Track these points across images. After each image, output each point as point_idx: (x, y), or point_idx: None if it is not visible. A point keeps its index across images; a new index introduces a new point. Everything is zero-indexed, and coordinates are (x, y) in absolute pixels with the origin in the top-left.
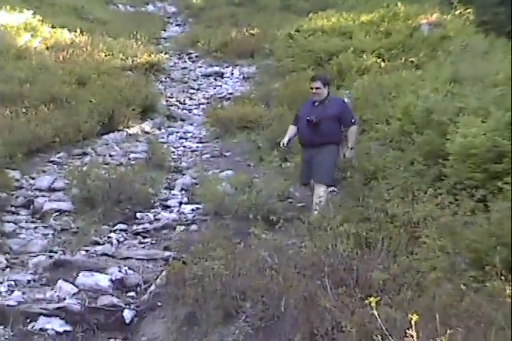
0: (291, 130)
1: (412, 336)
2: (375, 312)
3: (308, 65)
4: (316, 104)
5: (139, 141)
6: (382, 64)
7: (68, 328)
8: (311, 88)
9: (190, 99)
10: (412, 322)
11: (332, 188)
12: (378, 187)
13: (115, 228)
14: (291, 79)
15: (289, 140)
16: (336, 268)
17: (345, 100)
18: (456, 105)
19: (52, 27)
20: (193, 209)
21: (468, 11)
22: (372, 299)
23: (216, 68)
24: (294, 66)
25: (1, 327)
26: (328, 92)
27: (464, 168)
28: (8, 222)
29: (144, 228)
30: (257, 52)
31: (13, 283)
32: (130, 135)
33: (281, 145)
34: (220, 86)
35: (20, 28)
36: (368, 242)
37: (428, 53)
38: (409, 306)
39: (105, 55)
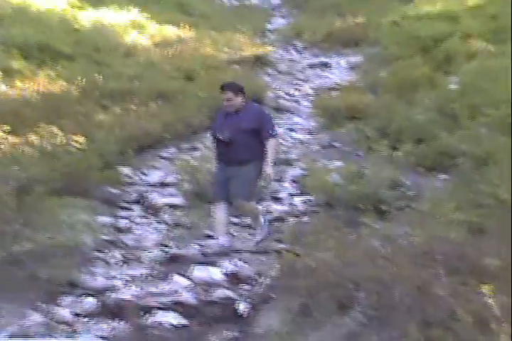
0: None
1: None
2: (490, 300)
3: (415, 51)
4: (231, 115)
5: None
6: (490, 48)
7: (184, 321)
8: (222, 99)
9: (298, 90)
10: None
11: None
12: (489, 172)
13: None
14: (398, 66)
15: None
16: (449, 256)
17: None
18: None
19: (159, 24)
20: (304, 201)
21: None
22: (486, 286)
23: (322, 58)
24: (401, 53)
25: (119, 321)
26: (244, 100)
27: None
28: (122, 217)
29: None
30: (363, 41)
31: (128, 277)
32: None
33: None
34: (327, 76)
35: (127, 25)
36: (480, 229)
37: None
38: None
39: (211, 50)
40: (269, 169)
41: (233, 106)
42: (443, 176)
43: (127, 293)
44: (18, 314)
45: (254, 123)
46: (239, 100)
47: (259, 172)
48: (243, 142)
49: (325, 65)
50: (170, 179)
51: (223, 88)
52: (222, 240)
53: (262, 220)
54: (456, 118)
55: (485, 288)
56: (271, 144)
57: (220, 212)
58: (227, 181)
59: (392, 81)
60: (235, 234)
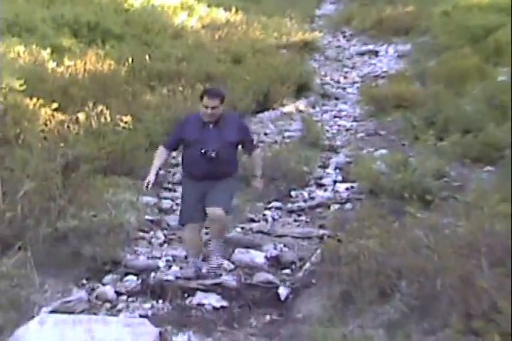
0: (161, 157)
1: None
2: None
3: (465, 41)
4: (210, 126)
5: (294, 120)
6: None
7: (225, 304)
8: (206, 106)
9: (345, 77)
10: None
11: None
12: None
13: (270, 206)
14: (447, 56)
15: (157, 174)
16: (493, 248)
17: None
18: None
19: (208, 6)
20: (347, 188)
21: None
22: None
23: (370, 46)
24: (451, 43)
25: (160, 301)
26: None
27: None
28: (166, 198)
29: (298, 206)
30: (412, 30)
31: (170, 258)
32: (285, 113)
33: (146, 186)
34: (375, 64)
35: (177, 7)
36: None
37: None
38: None
39: (260, 34)
40: (259, 184)
41: (216, 115)
42: (489, 168)
43: (169, 274)
44: (62, 290)
45: (238, 136)
46: (221, 109)
47: (237, 186)
48: (227, 156)
49: (373, 53)
50: None
51: (211, 94)
52: (196, 263)
53: (222, 248)
54: (504, 111)
55: None
56: (258, 156)
57: (192, 233)
58: (200, 199)
59: (440, 71)
60: (277, 218)
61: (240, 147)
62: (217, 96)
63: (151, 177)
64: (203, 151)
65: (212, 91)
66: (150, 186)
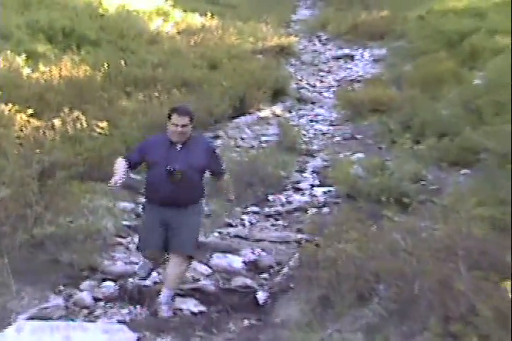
0: (123, 167)
1: None
2: (511, 296)
3: (440, 46)
4: (178, 146)
5: (270, 124)
6: None
7: (203, 308)
8: (176, 125)
9: (321, 81)
10: None
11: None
12: None
13: (247, 210)
14: (423, 61)
15: (125, 173)
16: (471, 251)
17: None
18: None
19: (184, 11)
20: (324, 192)
21: None
22: (507, 282)
23: (346, 51)
24: (426, 48)
25: (138, 306)
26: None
27: None
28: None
29: (276, 210)
30: (388, 35)
31: None
32: (261, 118)
33: (114, 183)
34: (351, 68)
35: (152, 12)
36: (503, 225)
37: None
38: None
39: (236, 39)
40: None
41: (186, 134)
42: (465, 171)
43: (147, 279)
44: (39, 297)
45: (207, 160)
46: (190, 128)
47: (202, 217)
48: (194, 180)
49: (349, 57)
50: None
51: (181, 112)
52: (147, 264)
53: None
54: (480, 114)
55: (506, 284)
56: (226, 180)
57: (153, 256)
58: (162, 227)
59: (416, 75)
60: (254, 222)
61: (207, 172)
62: (188, 114)
63: (119, 175)
64: (168, 169)
65: (182, 109)
66: (119, 184)
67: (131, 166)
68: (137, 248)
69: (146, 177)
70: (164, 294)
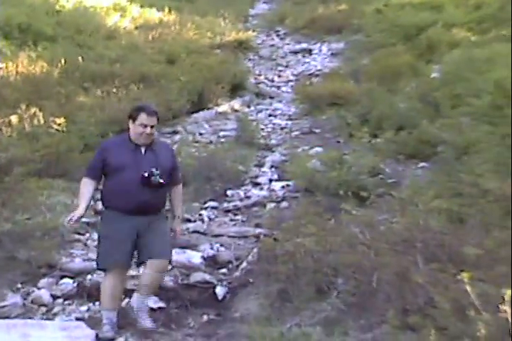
0: (89, 189)
1: (505, 311)
2: (468, 288)
3: (397, 39)
4: (142, 149)
5: (229, 119)
6: (473, 37)
7: (162, 305)
8: (144, 125)
9: (279, 76)
10: (506, 298)
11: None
12: (470, 161)
13: (206, 205)
14: (380, 54)
15: (87, 208)
16: (428, 244)
17: None
18: None
19: (141, 6)
20: (283, 187)
21: None
22: (465, 274)
23: (304, 45)
24: (384, 41)
25: (97, 303)
26: None
27: None
28: None
29: (234, 205)
30: (345, 28)
31: None
32: (219, 113)
33: (70, 219)
34: (309, 63)
35: (109, 8)
36: (460, 217)
37: None
38: (504, 281)
39: (194, 34)
40: (179, 226)
41: (152, 136)
42: (423, 164)
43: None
44: None
45: (173, 164)
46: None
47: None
48: (167, 184)
49: (307, 51)
50: None
51: (149, 112)
52: (112, 319)
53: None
54: (437, 107)
55: (463, 276)
56: (180, 192)
57: (116, 280)
58: (131, 237)
59: (374, 68)
60: (213, 217)
61: None
62: (156, 114)
63: (79, 211)
64: (146, 175)
65: (150, 108)
66: (74, 220)
67: (99, 179)
68: (97, 265)
69: (108, 185)
70: (138, 299)
